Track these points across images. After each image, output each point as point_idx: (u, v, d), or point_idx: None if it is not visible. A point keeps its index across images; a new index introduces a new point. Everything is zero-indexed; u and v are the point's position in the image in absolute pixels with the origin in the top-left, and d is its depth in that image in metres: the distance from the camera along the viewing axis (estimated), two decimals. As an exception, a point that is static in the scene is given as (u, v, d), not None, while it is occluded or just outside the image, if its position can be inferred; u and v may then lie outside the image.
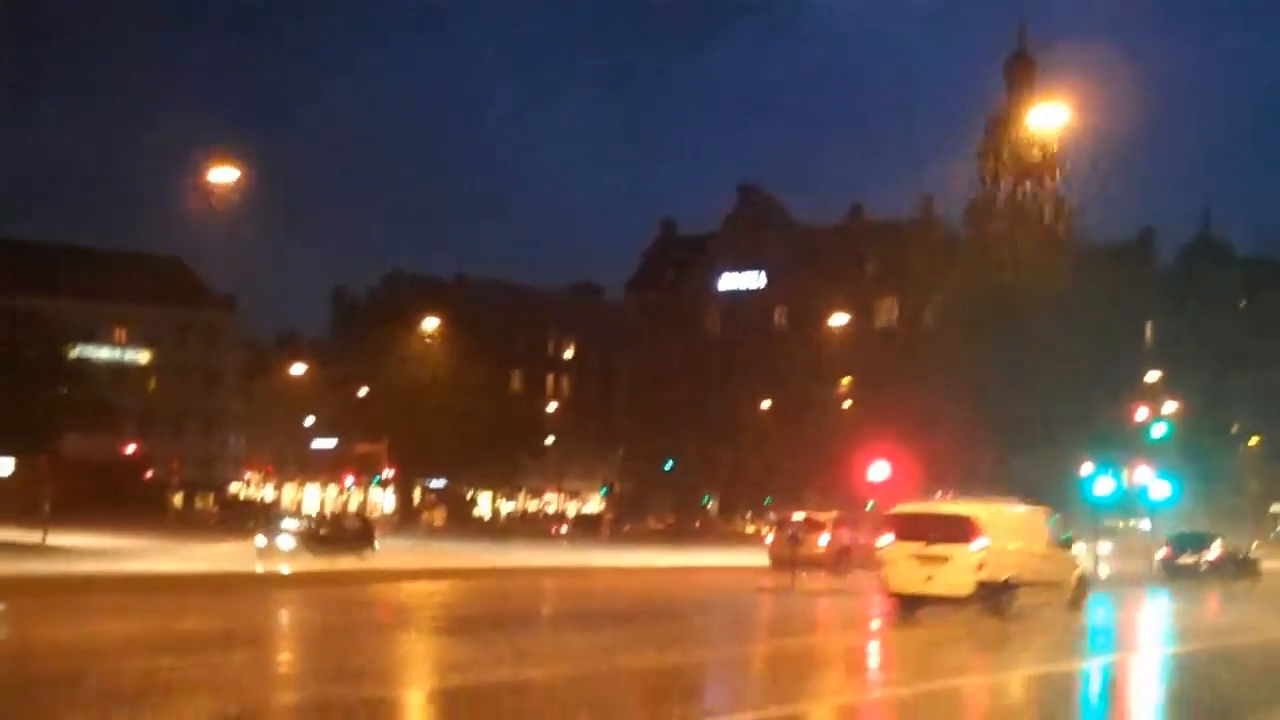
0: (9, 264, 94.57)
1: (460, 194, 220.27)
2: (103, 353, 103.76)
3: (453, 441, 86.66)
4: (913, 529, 27.09)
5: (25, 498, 54.80)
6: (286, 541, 43.83)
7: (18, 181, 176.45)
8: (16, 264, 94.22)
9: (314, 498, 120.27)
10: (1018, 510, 29.38)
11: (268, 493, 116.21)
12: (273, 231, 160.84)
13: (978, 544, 26.13)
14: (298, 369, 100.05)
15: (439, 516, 71.03)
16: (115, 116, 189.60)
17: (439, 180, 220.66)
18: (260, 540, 43.89)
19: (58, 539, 44.81)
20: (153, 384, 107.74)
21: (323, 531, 46.43)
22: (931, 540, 26.44)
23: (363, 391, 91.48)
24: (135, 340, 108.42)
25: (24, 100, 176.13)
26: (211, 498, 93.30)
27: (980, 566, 25.99)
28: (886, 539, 27.60)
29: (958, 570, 25.97)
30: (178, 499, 78.98)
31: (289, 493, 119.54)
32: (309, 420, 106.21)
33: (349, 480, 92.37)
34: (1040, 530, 29.01)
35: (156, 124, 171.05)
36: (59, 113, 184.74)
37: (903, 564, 26.63)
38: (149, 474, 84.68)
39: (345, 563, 39.65)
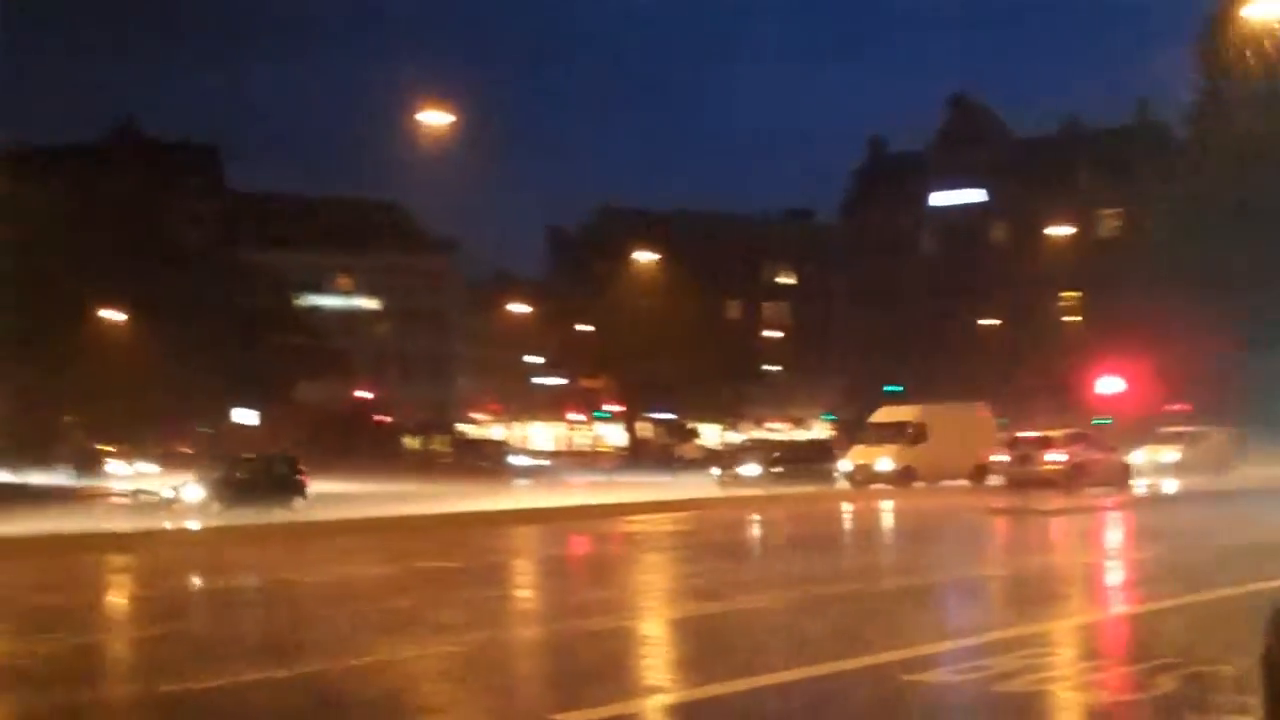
0: (235, 217, 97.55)
1: (669, 124, 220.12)
2: (329, 301, 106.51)
3: (674, 373, 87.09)
4: None
5: (267, 447, 56.55)
6: (194, 492, 38.56)
7: (241, 134, 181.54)
8: (242, 217, 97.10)
9: (541, 435, 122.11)
10: None
11: (496, 432, 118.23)
12: (487, 172, 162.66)
13: None
14: (518, 308, 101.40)
15: (692, 449, 71.70)
16: (333, 65, 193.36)
17: (647, 112, 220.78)
18: (167, 492, 39.73)
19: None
20: (379, 330, 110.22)
21: (240, 476, 40.28)
22: None
23: (582, 327, 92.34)
24: (360, 287, 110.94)
25: (244, 52, 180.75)
26: (444, 439, 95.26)
27: None
28: None
29: None
30: (411, 441, 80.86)
31: (516, 431, 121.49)
32: (532, 358, 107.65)
33: (574, 415, 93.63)
34: None
35: (372, 71, 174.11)
36: (279, 64, 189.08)
37: None
38: (382, 418, 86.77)
39: (272, 515, 34.72)
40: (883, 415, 50.57)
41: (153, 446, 75.05)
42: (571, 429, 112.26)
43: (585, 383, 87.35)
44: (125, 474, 68.03)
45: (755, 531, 30.70)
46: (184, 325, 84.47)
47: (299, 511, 36.58)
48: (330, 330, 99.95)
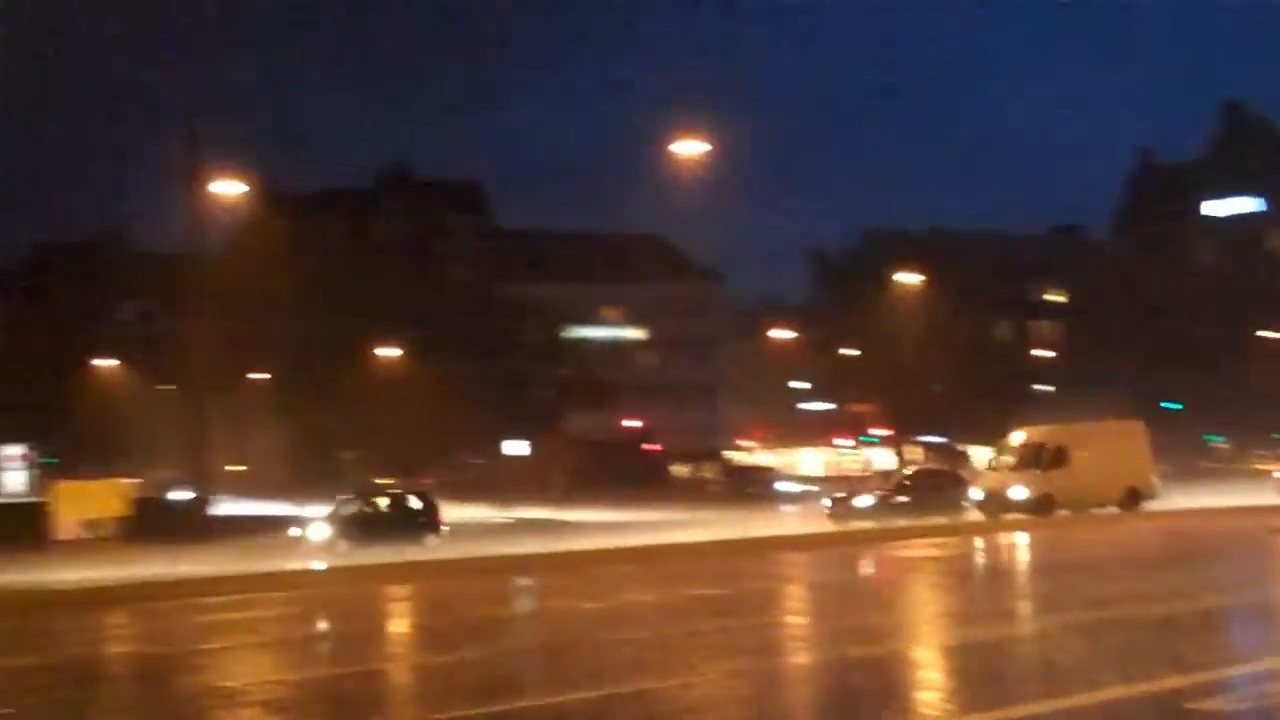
0: (504, 253, 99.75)
1: (929, 143, 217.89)
2: (597, 333, 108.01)
3: (942, 396, 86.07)
4: None
5: (539, 477, 57.51)
6: (320, 531, 37.15)
7: (507, 171, 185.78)
8: (510, 252, 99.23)
9: (809, 460, 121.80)
10: None
11: (765, 459, 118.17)
12: (749, 198, 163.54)
13: None
14: (783, 334, 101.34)
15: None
16: (593, 98, 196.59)
17: (907, 132, 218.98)
18: (294, 532, 38.58)
19: (571, 514, 47.00)
20: (646, 359, 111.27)
21: (369, 513, 38.60)
22: None
23: (848, 351, 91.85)
24: (627, 318, 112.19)
25: (507, 91, 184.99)
26: (713, 466, 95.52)
27: None
28: None
29: None
30: (680, 469, 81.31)
31: (785, 458, 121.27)
32: (799, 384, 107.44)
33: (842, 441, 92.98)
34: None
35: (632, 102, 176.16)
36: (542, 101, 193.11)
37: None
38: (651, 447, 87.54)
39: (406, 553, 32.77)
40: (1020, 436, 45.46)
41: (429, 479, 76.94)
42: (839, 454, 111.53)
43: (852, 407, 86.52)
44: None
45: (1024, 555, 30.03)
46: (456, 361, 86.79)
47: (432, 549, 34.94)
48: (598, 361, 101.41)
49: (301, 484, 71.11)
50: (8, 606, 23.95)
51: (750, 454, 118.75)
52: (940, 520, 40.26)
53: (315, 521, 38.16)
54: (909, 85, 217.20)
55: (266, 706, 12.91)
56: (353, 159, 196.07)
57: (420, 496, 40.86)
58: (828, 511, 44.79)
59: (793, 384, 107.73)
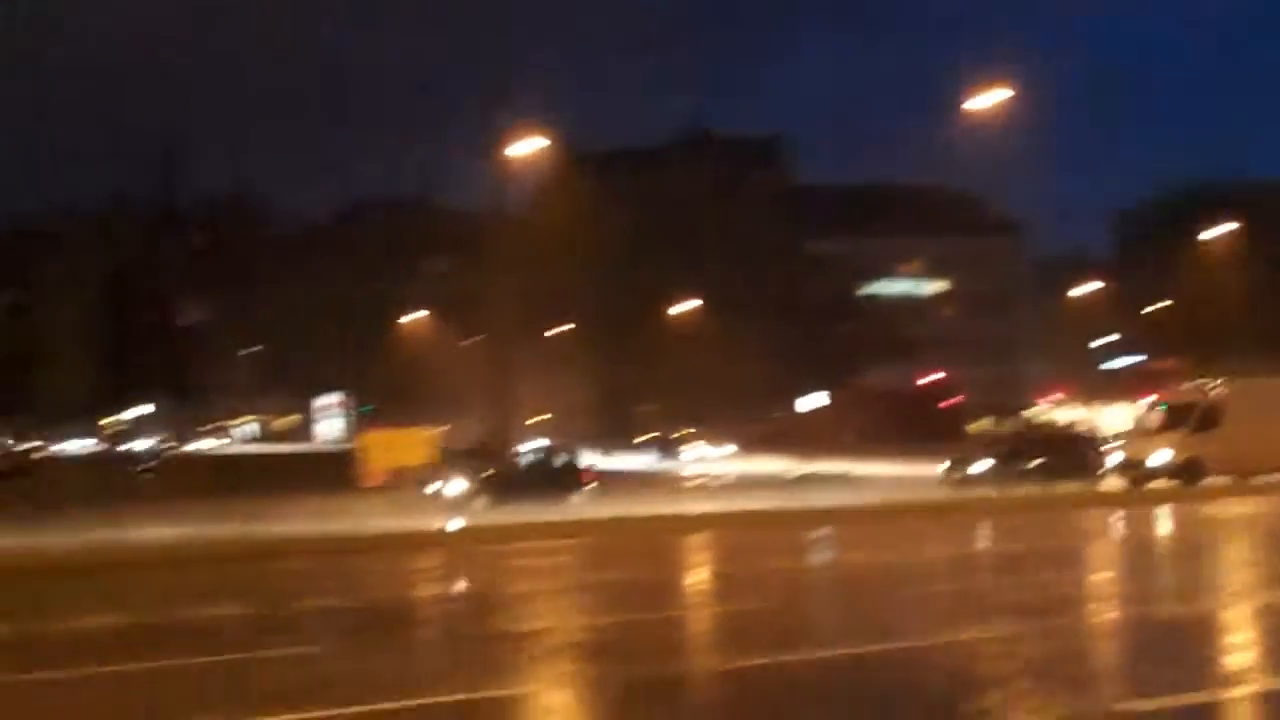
0: (800, 207, 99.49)
1: (1246, 90, 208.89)
2: (894, 287, 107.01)
3: (1261, 354, 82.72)
4: None
5: (835, 430, 57.47)
6: (458, 487, 36.77)
7: (802, 123, 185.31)
8: (807, 207, 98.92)
9: (1114, 418, 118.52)
10: None
11: (1067, 416, 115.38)
12: (1052, 149, 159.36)
13: None
14: (1086, 288, 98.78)
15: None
16: (889, 49, 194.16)
17: (1213, 80, 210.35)
18: (431, 488, 38.25)
19: (864, 468, 46.80)
20: (946, 314, 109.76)
21: (511, 469, 37.98)
22: None
23: (1155, 307, 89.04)
24: (925, 272, 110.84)
25: (801, 42, 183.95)
26: (1013, 423, 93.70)
27: None
28: None
29: None
30: (977, 425, 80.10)
31: (1088, 415, 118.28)
32: (1103, 340, 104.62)
33: (1146, 400, 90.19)
34: None
35: (929, 51, 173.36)
36: (837, 50, 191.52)
37: None
38: (950, 402, 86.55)
39: (543, 513, 31.16)
40: (1172, 394, 41.03)
41: (728, 431, 77.48)
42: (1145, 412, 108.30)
43: (1158, 364, 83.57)
44: (702, 458, 70.80)
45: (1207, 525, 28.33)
46: (754, 315, 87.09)
47: (574, 508, 33.77)
48: (896, 316, 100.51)
49: (602, 435, 72.42)
50: (311, 550, 25.01)
51: (1052, 411, 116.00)
52: (1072, 488, 36.42)
53: (455, 478, 37.76)
54: (1224, 30, 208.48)
55: (566, 649, 13.24)
56: (651, 116, 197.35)
57: (568, 454, 40.02)
58: (941, 479, 40.53)
59: (1096, 341, 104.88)
